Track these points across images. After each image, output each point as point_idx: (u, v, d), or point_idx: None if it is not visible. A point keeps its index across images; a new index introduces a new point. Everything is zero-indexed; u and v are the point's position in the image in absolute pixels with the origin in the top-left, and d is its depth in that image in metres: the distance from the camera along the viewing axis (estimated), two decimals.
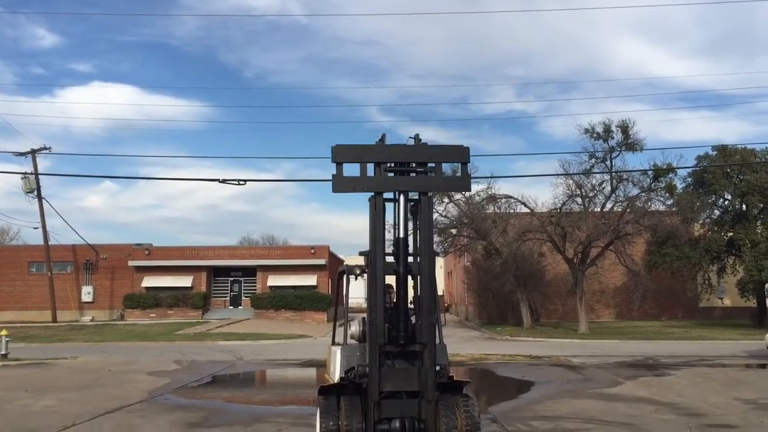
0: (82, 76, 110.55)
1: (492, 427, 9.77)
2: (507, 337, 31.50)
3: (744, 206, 35.74)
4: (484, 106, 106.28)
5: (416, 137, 8.51)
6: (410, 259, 7.85)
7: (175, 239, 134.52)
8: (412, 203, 8.12)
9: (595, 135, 32.89)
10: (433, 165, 8.07)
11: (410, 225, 8.09)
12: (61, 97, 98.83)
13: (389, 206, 8.04)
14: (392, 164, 7.90)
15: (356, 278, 8.78)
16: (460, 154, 8.21)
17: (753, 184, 33.88)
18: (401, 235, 7.80)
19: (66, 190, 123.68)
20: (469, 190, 8.29)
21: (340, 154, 7.88)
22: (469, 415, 7.59)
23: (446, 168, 31.51)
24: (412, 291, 8.30)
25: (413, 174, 7.93)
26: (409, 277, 8.19)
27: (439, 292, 46.73)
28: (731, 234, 35.63)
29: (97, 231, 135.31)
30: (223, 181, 20.26)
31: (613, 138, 32.83)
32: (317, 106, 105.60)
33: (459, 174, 8.50)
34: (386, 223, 8.05)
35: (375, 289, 7.51)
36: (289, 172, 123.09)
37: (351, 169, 7.85)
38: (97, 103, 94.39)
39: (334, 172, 7.76)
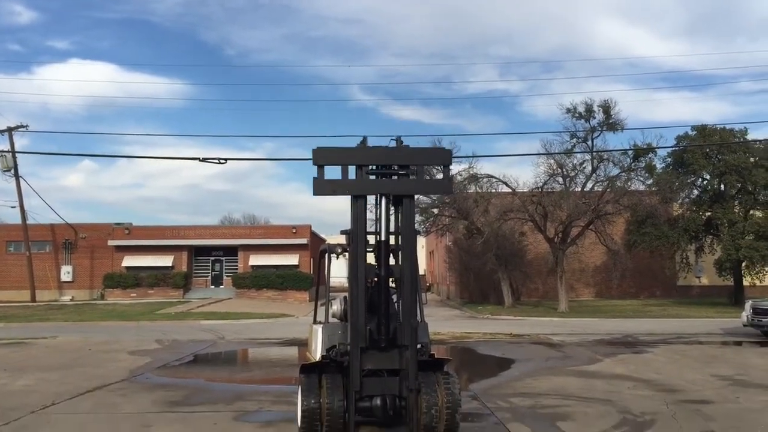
0: (61, 53, 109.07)
1: (472, 404, 9.86)
2: (488, 315, 31.73)
3: (722, 186, 36.11)
4: (466, 85, 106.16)
5: (398, 139, 8.50)
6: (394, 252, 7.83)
7: (155, 219, 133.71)
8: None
9: (576, 115, 33.02)
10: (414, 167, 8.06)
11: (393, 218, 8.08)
12: (39, 75, 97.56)
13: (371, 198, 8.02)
14: (374, 167, 7.87)
15: (337, 257, 8.79)
16: (442, 157, 8.22)
17: (731, 164, 34.20)
18: (383, 238, 7.78)
19: (44, 169, 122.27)
20: (451, 193, 8.27)
21: (321, 157, 7.84)
22: (450, 393, 7.66)
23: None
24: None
25: (395, 177, 7.92)
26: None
27: (421, 272, 46.83)
28: (709, 214, 36.01)
29: (76, 210, 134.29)
30: (204, 160, 20.11)
31: (594, 118, 32.99)
32: (299, 85, 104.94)
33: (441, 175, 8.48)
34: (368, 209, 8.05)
35: (357, 290, 7.52)
36: (271, 151, 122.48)
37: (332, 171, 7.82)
38: (76, 80, 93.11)
39: (315, 176, 7.73)
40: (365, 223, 7.73)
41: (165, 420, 8.89)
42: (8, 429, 8.38)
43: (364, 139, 8.18)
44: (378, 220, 7.88)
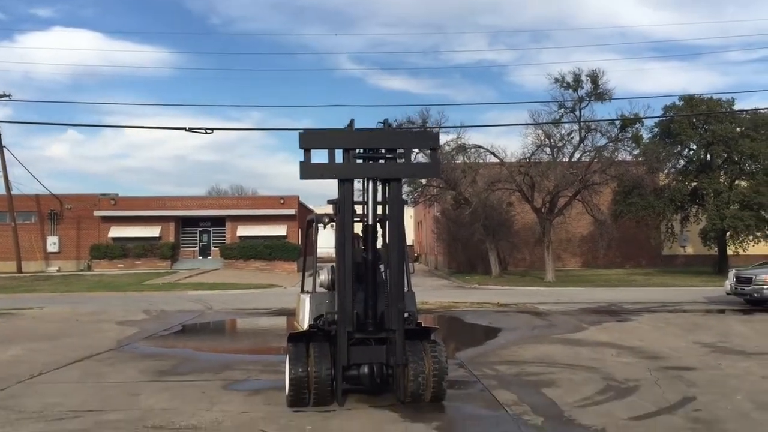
0: (43, 20, 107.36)
1: (459, 371, 9.95)
2: (475, 285, 31.94)
3: (708, 156, 36.27)
4: (455, 55, 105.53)
5: (385, 122, 8.46)
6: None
7: (142, 190, 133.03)
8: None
9: (564, 85, 32.98)
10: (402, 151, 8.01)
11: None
12: (21, 43, 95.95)
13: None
14: (361, 150, 7.82)
15: (325, 227, 8.80)
16: (430, 140, 8.18)
17: (718, 134, 34.31)
18: (370, 222, 7.75)
19: (28, 139, 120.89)
20: (439, 176, 8.23)
21: (308, 140, 7.79)
22: (437, 360, 7.74)
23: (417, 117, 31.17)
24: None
25: (382, 160, 7.88)
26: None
27: (409, 242, 47.02)
28: (695, 184, 36.22)
29: (61, 181, 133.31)
30: (190, 130, 19.97)
31: (582, 88, 32.98)
32: (286, 54, 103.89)
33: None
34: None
35: (344, 273, 7.52)
36: (258, 122, 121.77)
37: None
38: (59, 48, 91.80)
39: (302, 159, 7.68)
40: (352, 207, 7.71)
41: (153, 389, 8.93)
42: None
43: (351, 121, 8.14)
44: (365, 203, 7.84)
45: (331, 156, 7.73)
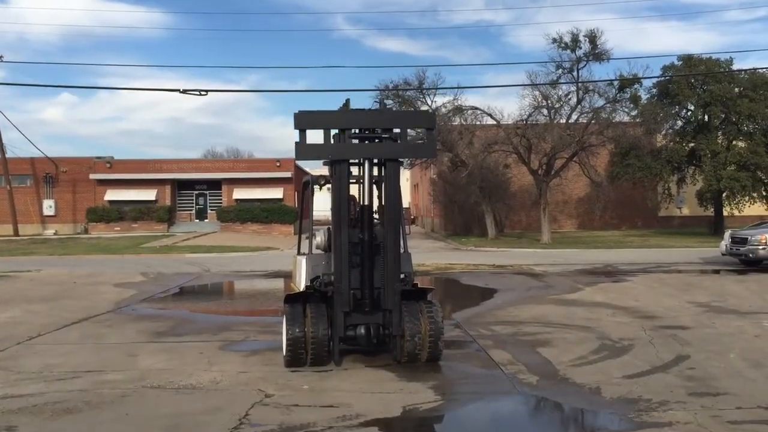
0: None
1: (455, 332, 10.03)
2: (472, 247, 32.03)
3: (706, 117, 36.14)
4: (452, 15, 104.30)
5: (381, 101, 8.35)
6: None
7: (138, 153, 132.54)
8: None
9: (562, 45, 32.67)
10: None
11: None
12: (13, 4, 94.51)
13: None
14: (356, 130, 7.73)
15: (320, 188, 8.78)
16: (426, 120, 8.12)
17: (716, 94, 34.14)
18: (366, 203, 7.70)
19: (22, 102, 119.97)
20: (435, 156, 8.18)
21: (303, 121, 7.72)
22: (433, 321, 7.80)
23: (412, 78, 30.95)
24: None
25: (378, 140, 7.80)
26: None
27: (405, 205, 47.01)
28: (692, 145, 36.16)
29: (56, 144, 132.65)
30: (184, 92, 19.79)
31: (580, 48, 32.70)
32: (282, 14, 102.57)
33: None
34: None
35: (341, 256, 7.51)
36: (255, 84, 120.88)
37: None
38: (53, 8, 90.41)
39: (297, 140, 7.62)
40: (348, 188, 7.67)
41: (151, 349, 8.99)
42: None
43: (347, 101, 8.06)
44: (361, 185, 7.78)
45: (327, 137, 7.67)
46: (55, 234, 42.66)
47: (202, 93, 19.79)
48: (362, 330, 7.71)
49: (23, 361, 8.31)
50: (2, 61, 42.03)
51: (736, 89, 35.07)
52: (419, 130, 8.84)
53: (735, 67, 36.11)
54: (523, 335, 9.78)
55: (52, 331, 10.33)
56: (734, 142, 35.40)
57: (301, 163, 48.71)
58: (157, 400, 6.57)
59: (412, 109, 35.74)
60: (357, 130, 7.73)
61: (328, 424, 5.75)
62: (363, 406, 6.26)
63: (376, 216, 7.96)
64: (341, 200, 7.56)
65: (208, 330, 10.54)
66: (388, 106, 8.18)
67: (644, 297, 13.67)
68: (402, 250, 8.07)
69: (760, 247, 18.50)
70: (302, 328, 7.57)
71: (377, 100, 8.26)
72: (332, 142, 7.65)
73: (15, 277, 19.02)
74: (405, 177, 58.78)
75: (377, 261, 7.69)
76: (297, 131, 7.59)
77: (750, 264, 19.15)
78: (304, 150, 7.69)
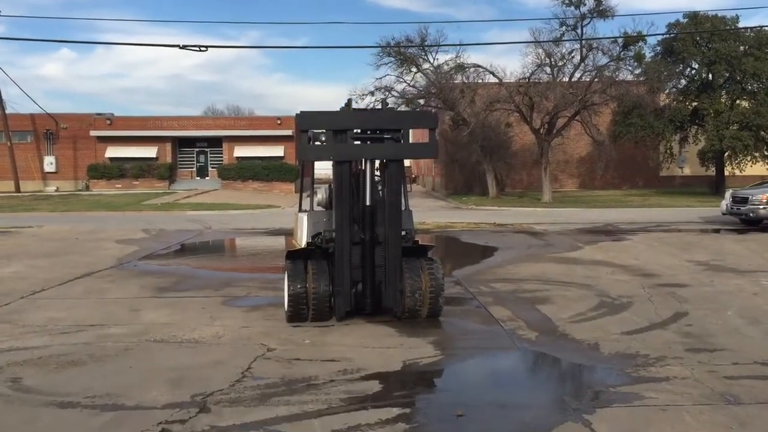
0: None
1: (455, 289, 10.09)
2: (472, 206, 32.06)
3: (710, 76, 35.81)
4: None
5: (383, 102, 8.28)
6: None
7: (138, 110, 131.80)
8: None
9: (567, 1, 32.25)
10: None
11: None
12: None
13: None
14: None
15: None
16: (428, 120, 8.08)
17: (721, 52, 33.78)
18: (368, 203, 7.66)
19: (21, 57, 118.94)
20: (437, 156, 8.12)
21: (307, 122, 7.72)
22: (434, 277, 7.84)
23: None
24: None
25: (380, 141, 7.78)
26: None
27: (406, 164, 46.91)
28: (696, 104, 35.91)
29: (56, 100, 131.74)
30: (184, 47, 19.59)
31: (584, 5, 32.32)
32: None
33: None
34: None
35: (342, 258, 7.51)
36: (255, 40, 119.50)
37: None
38: None
39: (300, 140, 7.69)
40: (349, 188, 7.63)
41: (154, 304, 9.07)
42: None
43: (349, 101, 8.01)
44: (363, 185, 7.74)
45: (329, 137, 7.67)
46: (56, 191, 42.67)
47: (202, 49, 19.57)
48: (361, 286, 7.77)
49: (27, 315, 8.39)
50: (0, 16, 41.58)
51: (742, 48, 34.69)
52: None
53: (741, 24, 35.73)
54: (523, 292, 9.85)
55: (55, 286, 10.41)
56: (738, 102, 35.16)
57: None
58: (160, 354, 6.65)
59: (414, 67, 35.58)
60: (359, 131, 7.75)
61: (330, 377, 5.83)
62: (364, 360, 6.34)
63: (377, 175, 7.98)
64: (343, 199, 7.56)
65: (210, 286, 10.61)
66: (388, 104, 8.15)
67: (644, 255, 13.73)
68: (403, 207, 8.09)
69: (761, 207, 18.50)
70: (303, 284, 7.63)
71: (379, 99, 8.22)
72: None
73: (17, 233, 19.08)
74: None
75: (377, 253, 7.71)
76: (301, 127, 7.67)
77: (750, 223, 19.18)
78: (307, 151, 7.75)
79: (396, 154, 7.78)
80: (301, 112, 7.76)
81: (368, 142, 7.78)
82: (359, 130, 7.81)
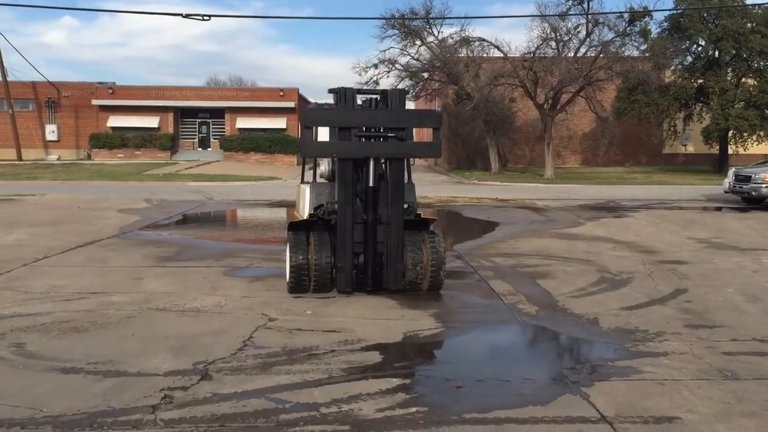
0: None
1: (456, 263, 10.12)
2: (475, 181, 32.03)
3: (717, 53, 35.54)
4: None
5: (383, 93, 8.25)
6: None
7: (140, 79, 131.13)
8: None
9: None
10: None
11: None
12: None
13: None
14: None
15: None
16: (432, 119, 8.05)
17: (729, 29, 33.50)
18: (371, 185, 7.65)
19: (23, 25, 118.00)
20: (440, 156, 8.10)
21: (312, 119, 7.71)
22: (435, 251, 7.87)
23: None
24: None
25: (384, 139, 7.78)
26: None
27: None
28: (701, 81, 35.69)
29: (58, 69, 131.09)
30: (187, 16, 19.47)
31: None
32: None
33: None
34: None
35: (344, 237, 7.55)
36: (258, 11, 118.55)
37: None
38: None
39: (305, 135, 7.63)
40: (353, 187, 7.64)
41: (156, 273, 9.11)
42: (2, 280, 8.57)
43: (347, 90, 7.94)
44: (366, 177, 7.72)
45: (333, 133, 7.72)
46: (58, 159, 42.63)
47: (205, 18, 19.43)
48: (363, 258, 7.79)
49: (30, 281, 8.43)
50: None
51: (749, 24, 34.39)
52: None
53: (749, 1, 35.37)
54: (524, 267, 9.88)
55: (57, 254, 10.44)
56: (744, 80, 34.92)
57: (305, 94, 48.28)
58: (162, 322, 6.69)
59: (418, 40, 35.32)
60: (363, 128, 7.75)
61: (330, 347, 5.87)
62: (364, 331, 6.38)
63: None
64: (347, 200, 7.58)
65: (212, 256, 10.64)
66: (386, 94, 8.16)
67: (645, 232, 13.75)
68: (405, 180, 8.09)
69: (763, 186, 18.49)
70: (305, 255, 7.66)
71: (379, 77, 8.24)
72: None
73: (20, 201, 19.11)
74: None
75: (379, 231, 7.74)
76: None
77: (752, 202, 19.18)
78: (311, 147, 7.76)
79: (400, 152, 7.81)
80: (308, 108, 7.84)
81: (372, 140, 7.78)
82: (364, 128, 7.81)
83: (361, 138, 7.67)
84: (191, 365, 5.35)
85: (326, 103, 8.53)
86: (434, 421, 4.35)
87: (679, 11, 35.42)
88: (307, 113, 7.74)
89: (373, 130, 7.77)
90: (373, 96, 8.41)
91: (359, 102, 8.26)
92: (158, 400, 4.62)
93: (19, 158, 41.29)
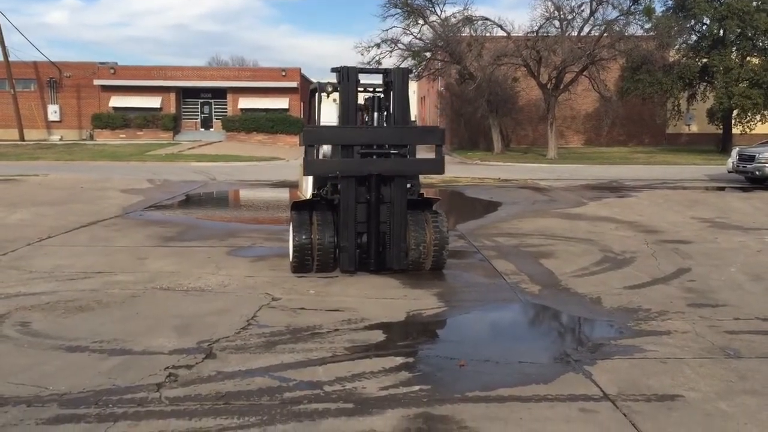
0: None
1: (459, 242, 10.13)
2: (477, 161, 31.97)
3: (722, 31, 35.24)
4: None
5: (386, 71, 8.21)
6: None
7: (142, 59, 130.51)
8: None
9: None
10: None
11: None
12: None
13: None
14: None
15: (328, 96, 8.68)
16: (435, 136, 8.03)
17: (734, 7, 33.18)
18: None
19: (25, 5, 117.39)
20: (443, 173, 8.09)
21: (313, 137, 7.73)
22: (438, 230, 7.87)
23: None
24: None
25: (386, 155, 7.78)
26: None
27: (412, 118, 46.59)
28: (706, 60, 35.45)
29: (60, 49, 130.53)
30: None
31: None
32: None
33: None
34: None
35: (348, 218, 7.57)
36: None
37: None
38: None
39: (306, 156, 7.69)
40: (355, 202, 7.62)
41: (159, 253, 9.13)
42: (6, 259, 8.60)
43: (350, 69, 7.88)
44: (369, 195, 7.72)
45: (335, 152, 7.74)
46: (60, 140, 42.59)
47: None
48: (365, 238, 7.80)
49: (34, 261, 8.46)
50: None
51: (754, 3, 34.06)
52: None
53: None
54: (527, 247, 9.88)
55: (61, 234, 10.46)
56: (748, 58, 34.68)
57: (307, 74, 48.05)
58: (166, 301, 6.71)
59: (421, 19, 35.06)
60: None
61: (334, 326, 5.89)
62: (368, 310, 6.40)
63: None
64: (348, 216, 7.58)
65: (215, 236, 10.66)
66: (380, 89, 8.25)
67: (648, 212, 13.74)
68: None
69: (767, 165, 18.43)
70: (308, 235, 7.67)
71: (384, 68, 8.24)
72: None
73: (22, 181, 19.13)
74: (412, 89, 57.99)
75: (382, 211, 7.76)
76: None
77: (756, 182, 19.13)
78: (314, 166, 7.77)
79: (402, 169, 7.80)
80: (307, 127, 7.89)
81: (374, 157, 7.78)
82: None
83: (364, 155, 7.66)
84: (195, 344, 5.37)
85: (329, 83, 8.50)
86: (437, 399, 4.37)
87: None
88: (308, 133, 7.72)
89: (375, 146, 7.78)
90: (375, 82, 8.39)
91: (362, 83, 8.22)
92: (163, 379, 4.65)
93: (22, 138, 41.24)
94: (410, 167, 8.00)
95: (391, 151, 7.78)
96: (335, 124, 8.13)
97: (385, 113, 8.27)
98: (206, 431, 3.89)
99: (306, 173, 7.76)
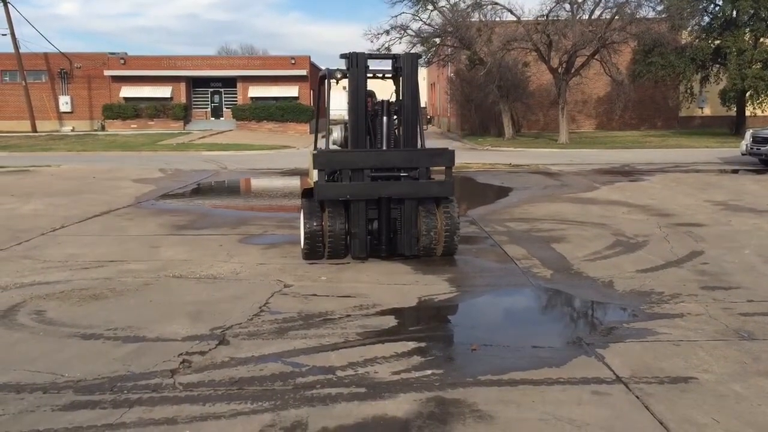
0: None
1: (470, 228, 10.12)
2: (488, 147, 31.85)
3: (735, 12, 34.82)
4: None
5: (395, 57, 8.18)
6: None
7: (154, 50, 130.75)
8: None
9: None
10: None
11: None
12: None
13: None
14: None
15: (337, 82, 8.66)
16: (445, 158, 7.98)
17: None
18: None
19: None
20: (453, 195, 8.03)
21: (323, 161, 7.71)
22: (449, 216, 7.86)
23: None
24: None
25: (397, 178, 7.84)
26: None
27: (422, 104, 46.41)
28: (718, 42, 35.05)
29: (71, 40, 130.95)
30: None
31: None
32: None
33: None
34: None
35: (358, 206, 7.60)
36: None
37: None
38: None
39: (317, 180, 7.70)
40: (366, 224, 7.70)
41: (172, 242, 9.17)
42: (21, 248, 8.68)
43: (359, 55, 7.90)
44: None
45: (345, 173, 7.70)
46: (72, 130, 42.78)
47: None
48: (376, 224, 7.81)
49: (48, 250, 8.52)
50: None
51: None
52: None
53: None
54: (538, 231, 9.86)
55: (74, 223, 10.54)
56: (762, 39, 34.26)
57: (317, 61, 47.96)
58: (179, 289, 6.75)
59: (430, 5, 34.86)
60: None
61: (346, 312, 5.91)
62: (379, 296, 6.41)
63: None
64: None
65: (227, 224, 10.70)
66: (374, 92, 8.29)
67: (661, 196, 13.65)
68: (419, 146, 8.09)
69: None
70: (319, 222, 7.68)
71: (394, 53, 8.21)
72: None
73: (36, 172, 19.25)
74: (422, 76, 57.78)
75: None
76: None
77: None
78: (324, 189, 7.74)
79: (413, 192, 7.80)
80: (317, 151, 7.88)
81: (384, 179, 7.81)
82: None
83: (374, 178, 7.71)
84: (209, 330, 5.41)
85: (338, 69, 8.48)
86: (450, 383, 4.38)
87: None
88: (318, 157, 7.71)
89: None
90: (385, 66, 8.36)
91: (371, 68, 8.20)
92: (177, 365, 4.69)
93: (34, 130, 41.46)
94: (420, 190, 7.96)
95: (402, 174, 7.86)
96: (344, 111, 8.13)
97: (396, 108, 8.28)
98: (220, 416, 3.92)
99: (317, 197, 7.74)
